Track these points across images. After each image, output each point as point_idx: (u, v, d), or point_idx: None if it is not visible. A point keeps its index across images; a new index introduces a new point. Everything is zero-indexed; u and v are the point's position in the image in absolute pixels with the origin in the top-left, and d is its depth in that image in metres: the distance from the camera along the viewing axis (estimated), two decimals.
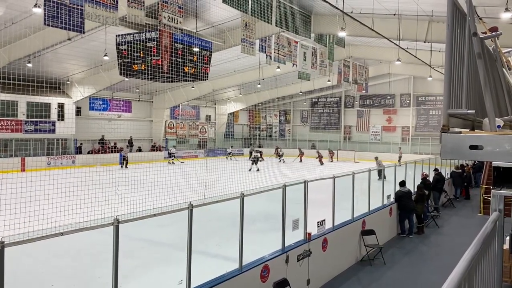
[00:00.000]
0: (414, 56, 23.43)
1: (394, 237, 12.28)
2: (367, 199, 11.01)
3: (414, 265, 9.95)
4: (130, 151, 33.77)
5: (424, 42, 20.56)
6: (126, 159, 30.00)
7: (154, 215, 5.19)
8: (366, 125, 43.06)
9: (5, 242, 3.85)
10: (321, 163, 33.60)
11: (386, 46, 25.89)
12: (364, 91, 33.36)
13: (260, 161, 29.32)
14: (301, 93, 41.06)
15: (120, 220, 4.70)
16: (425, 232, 12.96)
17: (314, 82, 36.74)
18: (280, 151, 37.38)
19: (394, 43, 20.28)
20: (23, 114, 26.71)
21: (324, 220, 8.65)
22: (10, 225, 7.26)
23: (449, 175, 19.94)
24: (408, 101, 40.75)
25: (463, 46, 2.63)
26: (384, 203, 12.13)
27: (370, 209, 11.08)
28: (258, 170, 26.85)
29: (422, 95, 39.86)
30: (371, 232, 10.21)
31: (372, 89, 38.21)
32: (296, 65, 24.15)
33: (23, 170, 24.78)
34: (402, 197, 12.57)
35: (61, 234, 4.32)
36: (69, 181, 12.86)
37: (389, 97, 41.45)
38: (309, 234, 8.00)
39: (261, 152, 36.60)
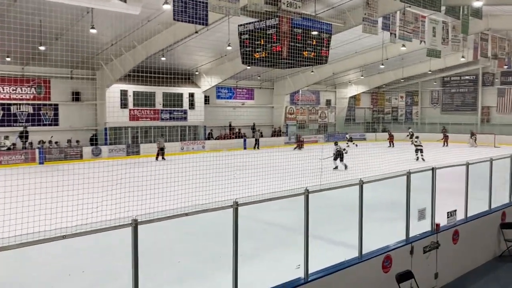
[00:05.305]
0: None
1: None
2: (508, 188, 9.76)
3: None
4: (253, 136, 34.99)
5: None
6: (162, 149, 24.96)
7: (270, 199, 5.35)
8: (509, 105, 38.22)
9: (138, 220, 4.30)
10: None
11: None
12: (506, 66, 29.74)
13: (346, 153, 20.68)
14: (430, 72, 38.04)
15: (238, 203, 4.91)
16: None
17: (446, 59, 33.72)
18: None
19: None
20: (160, 104, 29.68)
21: (455, 210, 7.91)
22: (145, 205, 8.06)
23: None
24: None
25: None
26: None
27: None
28: (345, 167, 19.85)
29: None
30: None
31: None
32: (425, 42, 22.46)
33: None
34: None
35: (186, 214, 4.66)
36: (200, 165, 13.91)
37: None
38: (438, 225, 7.39)
39: (351, 138, 33.89)
